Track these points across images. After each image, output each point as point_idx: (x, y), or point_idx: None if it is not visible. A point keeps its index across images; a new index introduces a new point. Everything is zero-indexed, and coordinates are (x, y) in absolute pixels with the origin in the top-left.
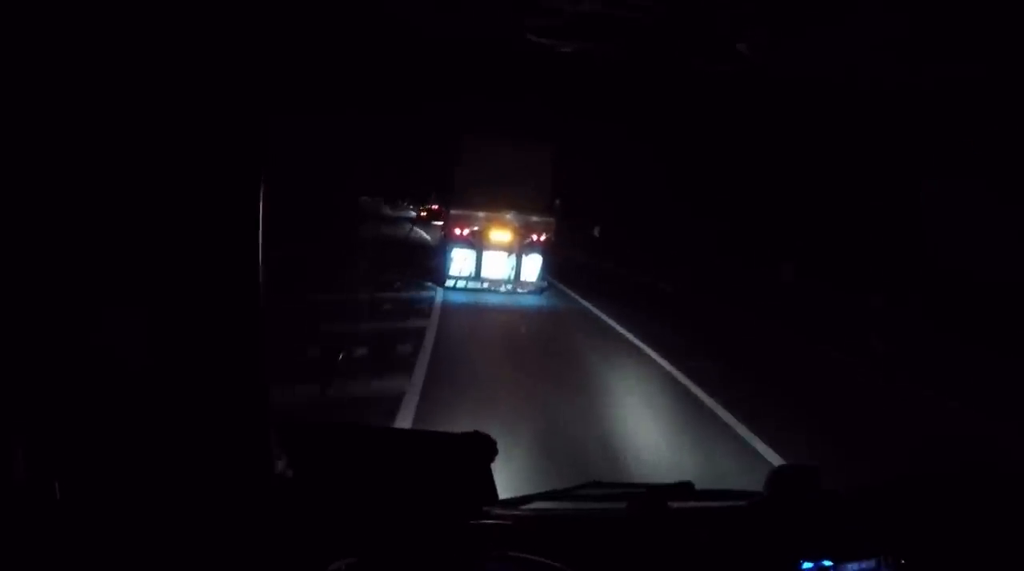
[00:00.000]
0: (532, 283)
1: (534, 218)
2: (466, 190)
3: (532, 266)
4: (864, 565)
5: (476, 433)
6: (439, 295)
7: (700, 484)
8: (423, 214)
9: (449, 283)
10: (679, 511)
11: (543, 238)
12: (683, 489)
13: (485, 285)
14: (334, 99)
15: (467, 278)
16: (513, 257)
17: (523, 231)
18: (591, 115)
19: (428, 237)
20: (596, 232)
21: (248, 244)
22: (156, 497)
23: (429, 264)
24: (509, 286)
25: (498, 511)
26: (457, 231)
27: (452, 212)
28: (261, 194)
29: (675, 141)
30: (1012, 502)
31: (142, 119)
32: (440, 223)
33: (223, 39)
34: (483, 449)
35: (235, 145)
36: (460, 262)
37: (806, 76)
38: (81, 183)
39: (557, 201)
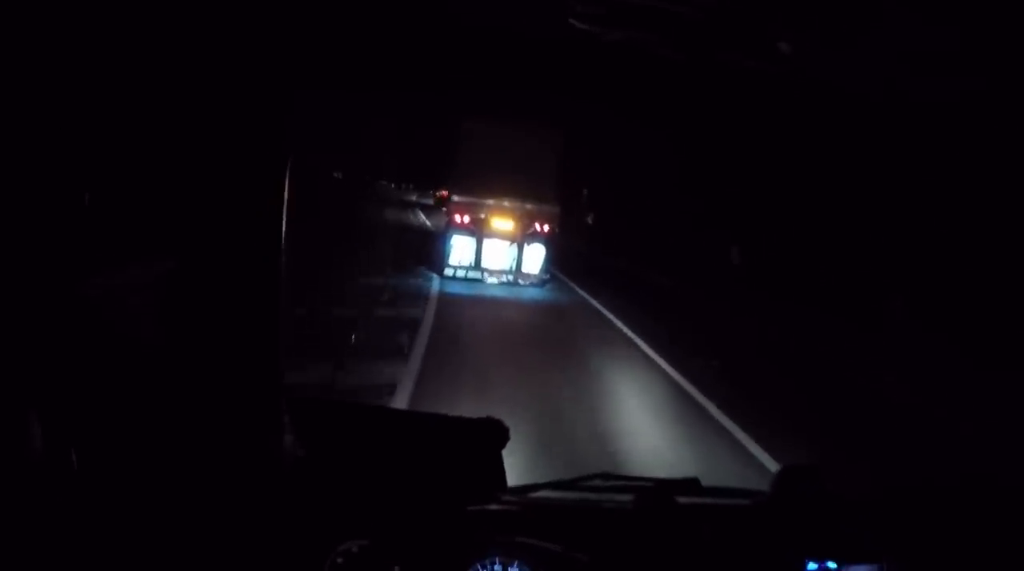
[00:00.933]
0: (534, 275)
1: (539, 207)
2: (469, 175)
3: (535, 257)
4: (868, 568)
5: (489, 419)
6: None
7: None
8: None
9: (448, 272)
10: (685, 506)
11: (547, 228)
12: (689, 485)
13: (485, 275)
14: (351, 80)
15: (467, 268)
16: (515, 247)
17: (526, 220)
18: (603, 101)
19: (429, 223)
20: (589, 219)
21: (272, 226)
22: (169, 472)
23: (429, 252)
24: (510, 277)
25: (507, 498)
26: (458, 218)
27: (454, 198)
28: (287, 177)
29: (689, 135)
30: (1012, 513)
31: (166, 103)
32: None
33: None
34: (495, 435)
35: (261, 128)
36: (460, 251)
37: (839, 84)
38: (104, 158)
39: (585, 191)
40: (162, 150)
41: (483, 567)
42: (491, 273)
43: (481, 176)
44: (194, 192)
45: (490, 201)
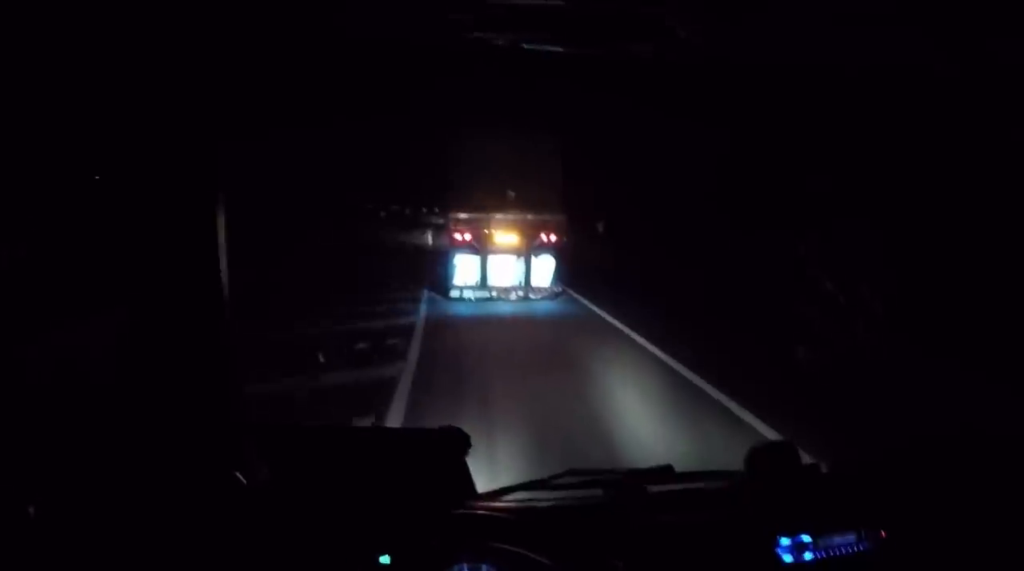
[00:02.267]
0: (545, 288)
1: (544, 216)
2: (466, 189)
3: (544, 269)
4: (843, 538)
5: (449, 428)
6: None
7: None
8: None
9: (454, 293)
10: (659, 495)
11: (554, 238)
12: (662, 473)
13: (493, 294)
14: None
15: (473, 287)
16: (522, 261)
17: (532, 231)
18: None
19: (428, 241)
20: (600, 227)
21: (210, 256)
22: (128, 505)
23: (431, 274)
24: (520, 293)
25: (477, 503)
26: (458, 236)
27: (452, 214)
28: (221, 202)
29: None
30: (987, 478)
31: (102, 135)
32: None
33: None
34: (457, 444)
35: (192, 157)
36: (464, 270)
37: (751, 62)
38: (46, 195)
39: (600, 225)
40: (95, 202)
41: None
42: (499, 291)
43: (478, 189)
44: (132, 240)
45: (491, 215)
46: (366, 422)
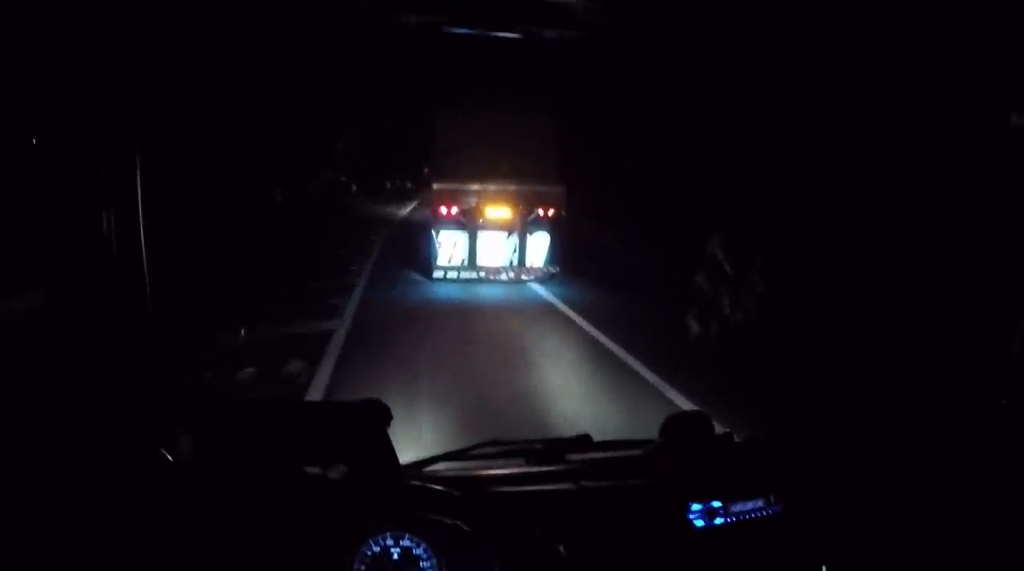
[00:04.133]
0: (539, 269)
1: (539, 188)
2: (452, 157)
3: (538, 247)
4: (752, 504)
5: (370, 400)
6: None
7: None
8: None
9: (438, 274)
10: (576, 463)
11: (551, 212)
12: (581, 442)
13: (482, 274)
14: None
15: (459, 267)
16: (515, 237)
17: (526, 205)
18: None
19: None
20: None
21: (131, 236)
22: (49, 482)
23: (411, 252)
24: (511, 274)
25: (399, 474)
26: (443, 210)
27: (435, 186)
28: (138, 183)
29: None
30: (899, 446)
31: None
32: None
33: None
34: (378, 416)
35: (108, 143)
36: (450, 247)
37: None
38: None
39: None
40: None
41: (375, 543)
42: (489, 271)
43: (467, 157)
44: (47, 218)
45: (481, 186)
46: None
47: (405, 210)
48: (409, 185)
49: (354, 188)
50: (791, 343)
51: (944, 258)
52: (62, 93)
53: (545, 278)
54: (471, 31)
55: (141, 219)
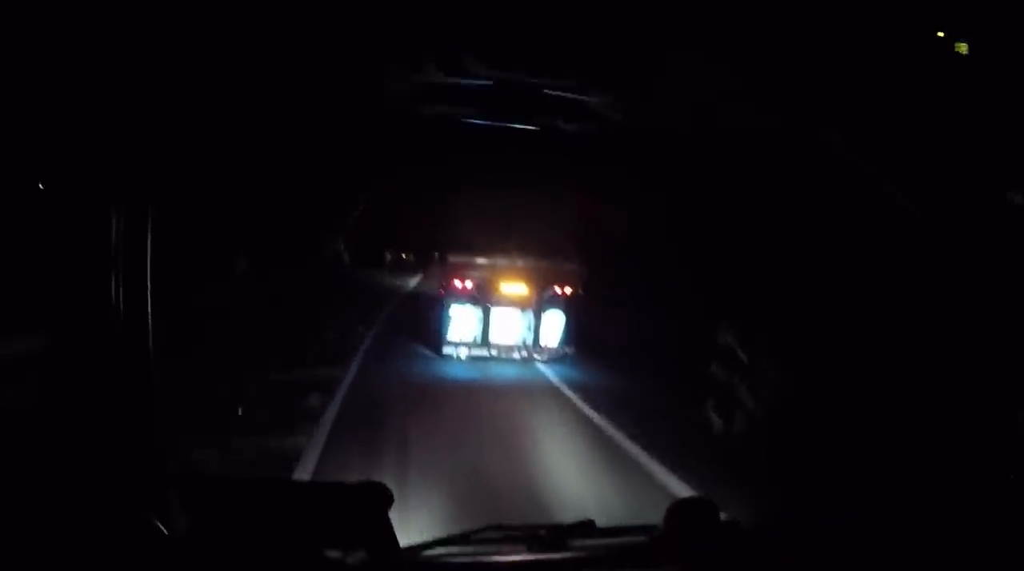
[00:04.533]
0: (553, 349)
1: (556, 265)
2: (467, 230)
3: (553, 326)
4: None
5: (370, 483)
6: None
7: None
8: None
9: (448, 351)
10: (580, 550)
11: (568, 291)
12: (584, 528)
13: (494, 352)
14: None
15: (471, 344)
16: (529, 315)
17: (542, 282)
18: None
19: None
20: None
21: (138, 294)
22: (44, 552)
23: (422, 326)
24: (523, 353)
25: (399, 560)
26: (457, 283)
27: (450, 259)
28: (148, 243)
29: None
30: (900, 533)
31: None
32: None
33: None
34: (379, 498)
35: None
36: (462, 323)
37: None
38: None
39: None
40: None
41: None
42: (502, 349)
43: (484, 231)
44: (53, 268)
45: (496, 260)
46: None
47: (410, 283)
48: (412, 258)
49: (347, 258)
50: (812, 431)
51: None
52: (73, 145)
53: (558, 358)
54: (490, 123)
55: (148, 275)
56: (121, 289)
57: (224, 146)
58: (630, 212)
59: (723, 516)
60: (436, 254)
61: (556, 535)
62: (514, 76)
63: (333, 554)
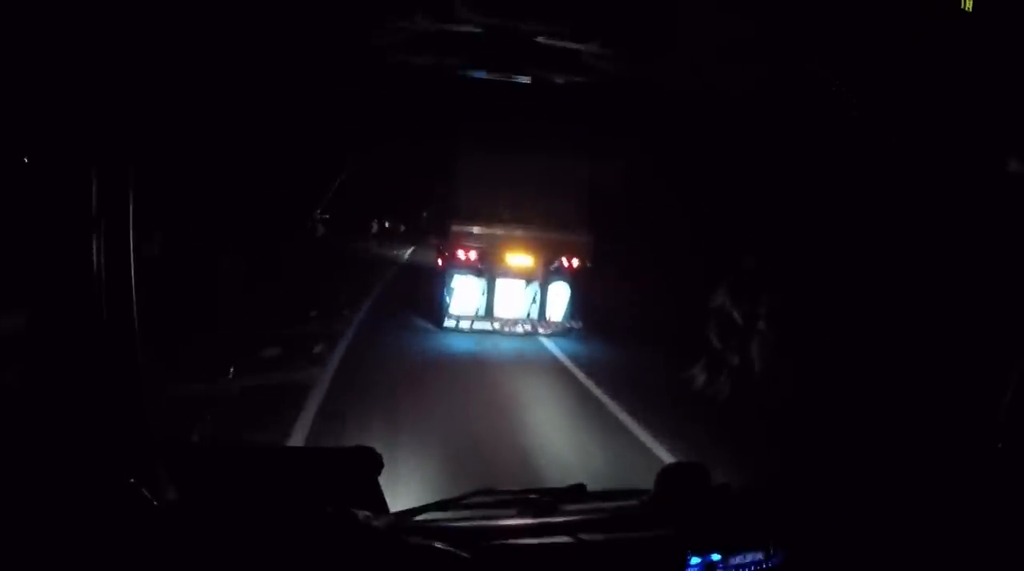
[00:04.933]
0: (558, 323)
1: (564, 236)
2: (473, 198)
3: (559, 299)
4: (752, 556)
5: (360, 448)
6: None
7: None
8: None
9: (449, 323)
10: (572, 514)
11: (575, 263)
12: (574, 492)
13: (496, 326)
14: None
15: (473, 317)
16: (534, 287)
17: (549, 253)
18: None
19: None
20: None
21: (121, 262)
22: (30, 523)
23: (422, 298)
24: (528, 327)
25: (389, 523)
26: (461, 254)
27: (453, 228)
28: (130, 208)
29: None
30: (899, 494)
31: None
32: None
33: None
34: (369, 463)
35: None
36: (464, 295)
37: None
38: None
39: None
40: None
41: None
42: (505, 323)
43: (490, 199)
44: (34, 239)
45: (502, 230)
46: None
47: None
48: (402, 228)
49: (321, 230)
50: (799, 396)
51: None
52: (56, 112)
53: (564, 333)
54: (483, 75)
55: (131, 246)
56: (103, 257)
57: (209, 113)
58: (631, 174)
59: (714, 480)
60: (426, 219)
61: (547, 499)
62: (506, 23)
63: (323, 518)
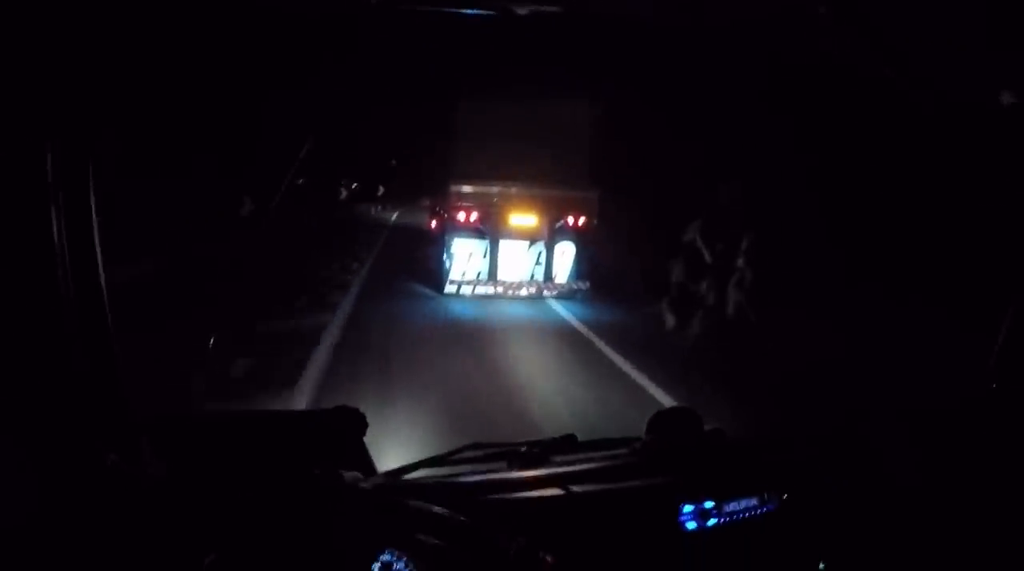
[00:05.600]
0: (564, 285)
1: (570, 193)
2: (472, 155)
3: (565, 260)
4: (746, 502)
5: (343, 408)
6: None
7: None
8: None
9: (450, 289)
10: (562, 465)
11: (582, 221)
12: (566, 443)
13: (500, 290)
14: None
15: (475, 281)
16: (539, 248)
17: (554, 211)
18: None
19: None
20: None
21: (83, 228)
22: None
23: (422, 263)
24: (532, 290)
25: (377, 484)
26: (461, 215)
27: (452, 187)
28: (90, 175)
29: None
30: (893, 439)
31: None
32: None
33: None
34: (353, 423)
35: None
36: (465, 258)
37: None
38: None
39: None
40: None
41: (356, 559)
42: (509, 286)
43: (490, 155)
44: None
45: (504, 188)
46: None
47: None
48: (381, 190)
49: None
50: (779, 338)
51: (945, 245)
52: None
53: (570, 295)
54: (476, 11)
55: (94, 219)
56: (63, 225)
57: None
58: (633, 123)
59: (706, 425)
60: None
61: (537, 451)
62: None
63: (310, 481)
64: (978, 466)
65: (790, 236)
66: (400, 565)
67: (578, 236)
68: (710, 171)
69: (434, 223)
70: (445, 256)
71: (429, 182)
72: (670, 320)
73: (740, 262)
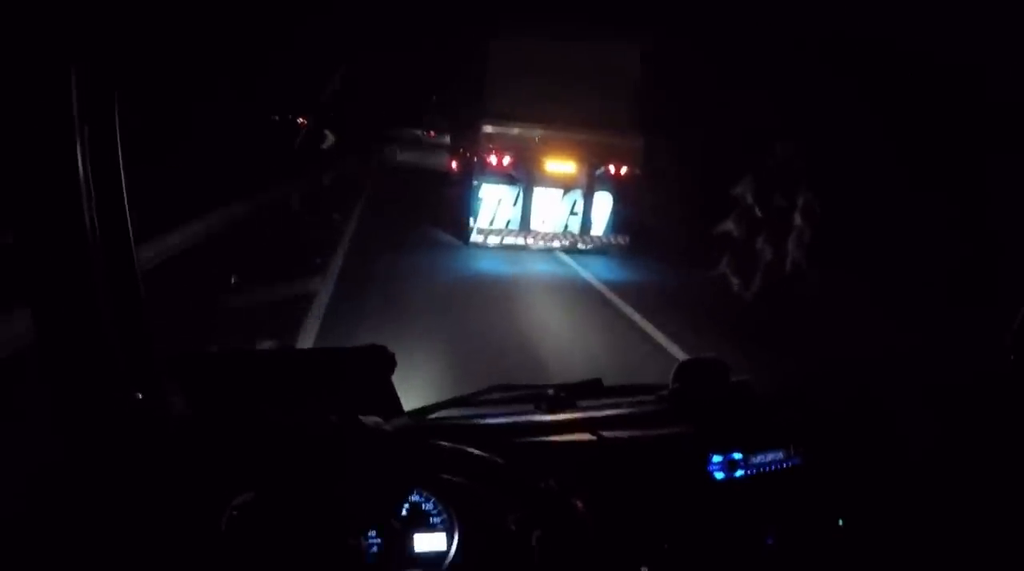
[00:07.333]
0: (601, 238)
1: (612, 138)
2: (507, 94)
3: (603, 211)
4: (772, 455)
5: (373, 346)
6: None
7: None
8: None
9: (476, 239)
10: (589, 408)
11: (624, 170)
12: (592, 387)
13: (530, 241)
14: None
15: (503, 231)
16: (575, 197)
17: (594, 157)
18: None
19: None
20: None
21: (111, 183)
22: (42, 449)
23: (446, 210)
24: (566, 242)
25: (401, 425)
26: (493, 158)
27: (485, 129)
28: (116, 123)
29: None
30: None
31: None
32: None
33: None
34: (381, 362)
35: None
36: (494, 205)
37: None
38: None
39: None
40: None
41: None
42: (541, 237)
43: (527, 95)
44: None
45: (542, 131)
46: None
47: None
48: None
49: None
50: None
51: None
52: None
53: (608, 250)
54: None
55: (119, 152)
56: (90, 172)
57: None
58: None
59: (734, 377)
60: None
61: (563, 394)
62: None
63: (335, 419)
64: (995, 438)
65: (848, 198)
66: (429, 505)
67: (619, 186)
68: (763, 129)
69: (455, 164)
70: (473, 202)
71: (453, 119)
72: (735, 282)
73: (797, 220)
